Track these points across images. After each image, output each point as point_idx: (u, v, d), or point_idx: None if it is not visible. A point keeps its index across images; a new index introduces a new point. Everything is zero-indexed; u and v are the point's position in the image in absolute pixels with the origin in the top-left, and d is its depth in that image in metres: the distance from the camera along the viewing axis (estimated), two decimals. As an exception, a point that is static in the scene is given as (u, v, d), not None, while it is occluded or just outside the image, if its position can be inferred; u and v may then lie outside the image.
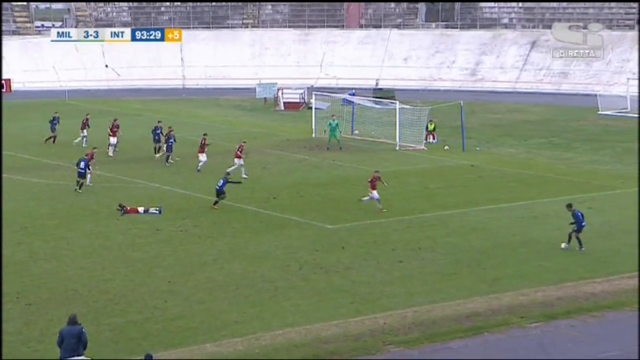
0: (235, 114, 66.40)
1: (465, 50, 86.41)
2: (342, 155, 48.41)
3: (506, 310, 24.27)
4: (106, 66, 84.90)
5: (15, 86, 79.78)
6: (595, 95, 70.06)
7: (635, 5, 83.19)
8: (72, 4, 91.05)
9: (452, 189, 39.66)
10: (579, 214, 29.98)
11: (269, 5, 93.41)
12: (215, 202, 35.43)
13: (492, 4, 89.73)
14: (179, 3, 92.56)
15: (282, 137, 53.88)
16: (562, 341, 22.44)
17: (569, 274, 27.49)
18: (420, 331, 22.80)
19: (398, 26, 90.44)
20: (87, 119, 51.00)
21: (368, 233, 32.08)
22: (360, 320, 23.43)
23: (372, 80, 79.76)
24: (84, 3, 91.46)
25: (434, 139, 53.08)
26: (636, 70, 75.15)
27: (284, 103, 69.74)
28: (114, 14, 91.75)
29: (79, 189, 38.46)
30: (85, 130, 50.24)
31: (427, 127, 52.89)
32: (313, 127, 54.93)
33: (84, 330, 19.53)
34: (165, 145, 45.33)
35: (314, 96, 59.75)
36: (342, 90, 70.21)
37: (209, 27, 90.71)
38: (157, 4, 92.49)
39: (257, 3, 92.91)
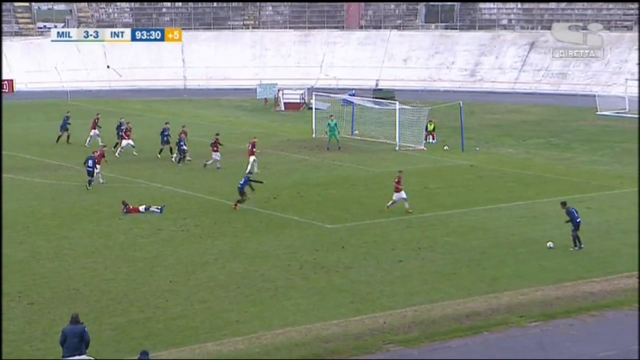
0: (236, 114, 66.41)
1: (464, 51, 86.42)
2: (342, 155, 48.40)
3: (505, 310, 24.26)
4: (108, 67, 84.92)
5: (17, 87, 79.82)
6: (594, 95, 70.08)
7: (633, 6, 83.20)
8: (74, 5, 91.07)
9: (451, 189, 39.66)
10: (573, 211, 29.99)
11: (269, 7, 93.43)
12: (237, 202, 34.99)
13: (491, 5, 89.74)
14: (180, 4, 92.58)
15: (282, 138, 53.87)
16: (561, 340, 22.43)
17: (568, 273, 27.48)
18: (420, 330, 22.79)
19: (398, 27, 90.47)
20: (97, 119, 50.96)
21: (368, 233, 32.08)
22: (360, 319, 23.42)
23: (372, 81, 79.78)
24: (86, 4, 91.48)
25: (433, 139, 53.07)
26: (635, 70, 75.21)
27: (285, 103, 69.75)
28: (116, 14, 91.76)
29: (89, 186, 38.70)
30: (95, 130, 50.20)
31: (426, 128, 52.89)
32: (313, 127, 54.93)
33: (86, 329, 19.54)
34: (177, 147, 45.34)
35: (314, 97, 59.75)
36: (342, 90, 70.23)
37: (210, 28, 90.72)
38: (159, 4, 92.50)
39: (258, 4, 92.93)
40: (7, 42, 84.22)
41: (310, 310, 24.08)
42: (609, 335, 22.92)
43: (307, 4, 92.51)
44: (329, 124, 50.61)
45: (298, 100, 69.92)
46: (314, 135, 54.28)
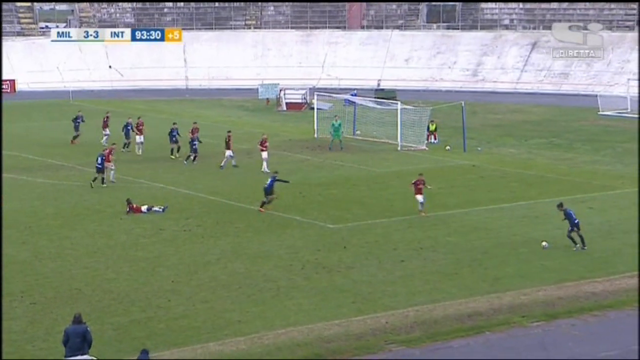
0: (238, 114, 66.43)
1: (466, 51, 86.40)
2: (344, 155, 48.40)
3: (507, 310, 24.25)
4: (110, 67, 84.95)
5: (19, 87, 79.90)
6: (596, 95, 70.06)
7: (635, 5, 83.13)
8: (76, 5, 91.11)
9: (453, 189, 39.64)
10: (571, 212, 29.99)
11: (271, 7, 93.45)
12: (263, 203, 34.76)
13: (493, 5, 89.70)
14: (181, 4, 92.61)
15: (284, 138, 53.87)
16: (563, 340, 22.42)
17: (570, 273, 27.47)
18: (422, 330, 22.79)
19: (399, 27, 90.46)
20: (107, 118, 50.99)
21: (370, 233, 32.08)
22: (362, 319, 23.42)
23: (374, 81, 79.77)
24: (88, 4, 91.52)
25: (435, 139, 53.06)
26: (636, 70, 75.14)
27: (286, 103, 69.76)
28: (117, 15, 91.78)
29: (93, 182, 38.95)
30: (107, 129, 50.24)
31: (428, 128, 52.88)
32: (315, 127, 54.93)
33: (88, 329, 19.55)
34: (190, 147, 45.41)
35: (316, 97, 59.74)
36: (344, 90, 70.19)
37: (212, 28, 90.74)
38: (160, 5, 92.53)
39: (260, 4, 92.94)
40: (9, 42, 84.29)
41: (312, 310, 24.08)
42: (611, 335, 22.90)
43: (308, 4, 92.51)
44: (333, 124, 50.61)
45: (300, 101, 69.93)
46: (315, 135, 54.28)
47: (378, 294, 25.45)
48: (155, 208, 34.61)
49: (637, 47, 79.63)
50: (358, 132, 55.10)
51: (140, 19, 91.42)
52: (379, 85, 78.58)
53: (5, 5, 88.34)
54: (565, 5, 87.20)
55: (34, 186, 39.78)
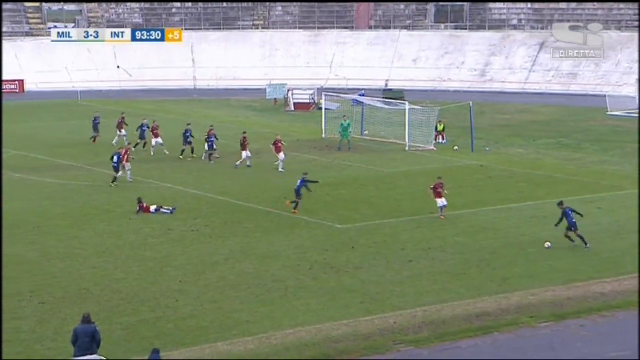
0: (246, 114, 66.47)
1: (474, 51, 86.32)
2: (352, 155, 48.40)
3: (515, 310, 24.22)
4: (118, 67, 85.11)
5: (28, 87, 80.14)
6: (604, 95, 69.90)
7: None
8: (84, 5, 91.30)
9: (461, 189, 39.57)
10: (569, 211, 29.97)
11: (279, 7, 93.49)
12: (295, 205, 34.63)
13: (501, 5, 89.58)
14: (189, 4, 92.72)
15: (292, 138, 53.84)
16: (572, 341, 22.39)
17: (578, 273, 27.42)
18: (430, 330, 22.78)
19: (407, 27, 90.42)
20: (122, 118, 51.06)
21: (378, 233, 32.07)
22: (370, 319, 23.43)
23: (382, 81, 79.76)
24: (96, 4, 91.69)
25: (443, 139, 53.02)
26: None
27: (294, 103, 69.78)
28: (125, 15, 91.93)
29: (112, 183, 39.26)
30: (123, 130, 50.35)
31: (436, 128, 52.84)
32: (323, 127, 54.93)
33: (97, 328, 19.60)
34: (206, 144, 45.60)
35: (323, 97, 59.75)
36: (351, 90, 70.22)
37: (220, 28, 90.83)
38: (168, 5, 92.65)
39: (267, 4, 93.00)
40: (17, 42, 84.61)
41: (320, 310, 24.10)
42: (620, 336, 22.84)
43: (316, 4, 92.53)
44: (342, 124, 50.62)
45: (307, 100, 69.95)
46: (323, 135, 54.29)
47: (386, 294, 25.45)
48: (164, 209, 34.65)
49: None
50: (366, 132, 55.08)
51: (148, 19, 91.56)
52: (386, 85, 78.55)
53: (13, 6, 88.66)
54: (573, 5, 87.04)
55: (43, 186, 39.88)
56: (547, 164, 46.53)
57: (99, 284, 26.10)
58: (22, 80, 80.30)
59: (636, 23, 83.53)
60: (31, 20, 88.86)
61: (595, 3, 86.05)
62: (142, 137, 48.75)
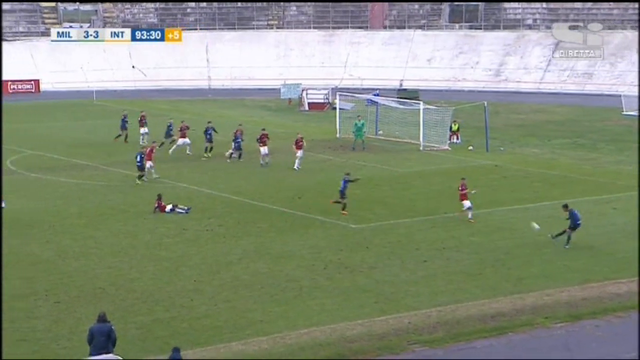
0: (261, 114, 66.50)
1: (489, 51, 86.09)
2: (366, 155, 48.36)
3: (531, 310, 24.14)
4: (133, 67, 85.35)
5: (43, 87, 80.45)
6: (620, 95, 69.54)
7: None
8: (100, 5, 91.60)
9: (476, 189, 39.44)
10: (576, 212, 29.87)
11: (293, 7, 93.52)
12: (343, 206, 34.58)
13: (516, 4, 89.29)
14: (204, 4, 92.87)
15: (306, 138, 53.59)
16: (587, 341, 22.29)
17: (594, 274, 27.29)
18: (445, 331, 22.73)
19: (422, 27, 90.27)
20: (143, 117, 51.22)
21: (392, 233, 32.02)
22: (385, 319, 23.39)
23: (396, 81, 79.66)
24: (111, 4, 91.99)
25: (457, 139, 52.89)
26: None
27: (309, 103, 69.78)
28: (141, 15, 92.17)
29: (138, 179, 39.66)
30: (145, 127, 50.51)
31: (450, 128, 52.73)
32: (337, 127, 54.89)
33: (113, 328, 19.64)
34: (233, 144, 45.82)
35: (338, 97, 59.72)
36: (366, 90, 70.19)
37: (234, 28, 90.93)
38: (183, 5, 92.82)
39: (282, 4, 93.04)
40: (33, 42, 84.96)
41: (335, 310, 24.07)
42: (635, 337, 22.69)
43: (331, 4, 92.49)
44: (356, 124, 50.58)
45: (322, 100, 69.93)
46: (338, 135, 54.25)
47: (401, 294, 25.40)
48: (179, 209, 34.69)
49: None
50: (380, 132, 55.01)
51: (163, 19, 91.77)
52: (401, 85, 78.43)
53: (29, 5, 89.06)
54: (589, 4, 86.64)
55: (58, 185, 40.01)
56: (563, 164, 46.35)
57: (114, 283, 26.16)
58: (38, 80, 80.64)
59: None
60: (47, 21, 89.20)
61: (611, 3, 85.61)
62: (167, 136, 48.89)
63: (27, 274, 26.93)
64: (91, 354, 19.42)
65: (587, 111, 67.82)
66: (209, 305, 24.37)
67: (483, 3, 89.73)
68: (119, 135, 51.44)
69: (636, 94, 71.10)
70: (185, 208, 34.86)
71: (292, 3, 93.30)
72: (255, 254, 29.32)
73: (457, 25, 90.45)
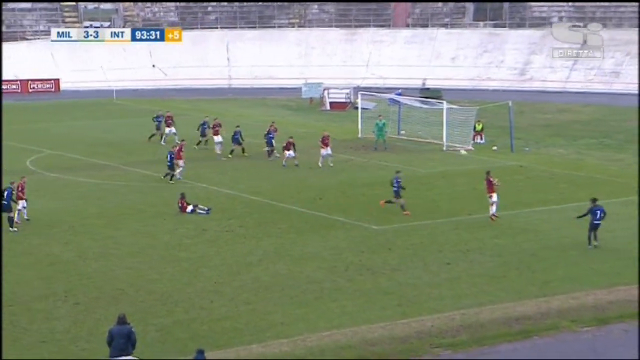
0: (282, 113, 66.52)
1: (513, 49, 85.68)
2: (389, 155, 48.26)
3: (556, 314, 23.98)
4: (153, 66, 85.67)
5: (63, 86, 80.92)
6: (648, 94, 69.07)
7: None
8: (120, 4, 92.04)
9: (500, 190, 39.23)
10: (597, 210, 29.65)
11: (315, 5, 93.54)
12: (402, 207, 34.63)
13: (541, 2, 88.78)
14: (225, 3, 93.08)
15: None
16: (614, 346, 22.13)
17: (621, 277, 27.07)
18: (468, 334, 22.62)
19: (445, 25, 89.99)
20: (169, 117, 51.33)
21: (415, 234, 31.92)
22: (407, 322, 23.32)
23: (419, 80, 79.42)
24: (132, 3, 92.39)
25: (481, 139, 52.69)
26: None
27: (330, 103, 69.73)
28: (162, 13, 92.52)
29: (170, 179, 39.94)
30: (172, 127, 50.64)
31: (474, 127, 52.52)
32: (359, 127, 54.82)
33: (133, 329, 19.68)
34: (266, 142, 46.18)
35: (360, 96, 59.64)
36: (388, 90, 69.98)
37: (255, 27, 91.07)
38: (204, 3, 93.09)
39: (304, 3, 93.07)
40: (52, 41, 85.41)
41: (356, 312, 24.02)
42: (664, 342, 22.52)
43: (353, 2, 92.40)
44: (377, 124, 50.50)
45: (344, 100, 69.87)
46: (359, 135, 54.19)
47: (423, 297, 25.31)
48: (200, 209, 34.75)
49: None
50: (403, 131, 54.90)
51: (183, 17, 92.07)
52: (424, 84, 78.21)
53: (49, 4, 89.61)
54: (616, 2, 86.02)
55: (77, 185, 40.21)
56: (589, 164, 46.05)
57: (133, 284, 26.24)
58: (58, 80, 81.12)
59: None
60: (67, 19, 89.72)
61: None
62: (203, 134, 49.07)
63: (47, 275, 27.08)
64: (111, 356, 19.47)
65: (614, 111, 67.33)
66: (229, 307, 24.39)
67: (508, 1, 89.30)
68: (153, 135, 51.57)
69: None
70: (206, 209, 34.92)
71: (314, 2, 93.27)
72: (275, 255, 29.32)
73: (481, 24, 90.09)
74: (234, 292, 25.57)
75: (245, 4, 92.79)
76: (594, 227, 29.90)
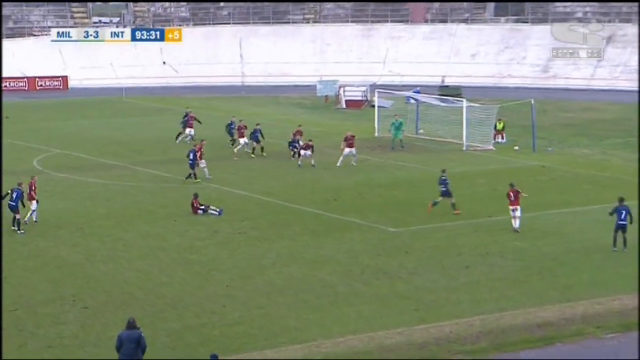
0: (296, 112, 66.59)
1: (536, 45, 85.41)
2: (406, 155, 48.21)
3: (580, 320, 23.91)
4: (164, 63, 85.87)
5: (71, 83, 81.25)
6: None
7: None
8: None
9: (523, 190, 39.12)
10: (622, 210, 29.53)
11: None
12: (453, 205, 34.77)
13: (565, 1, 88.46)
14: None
15: (343, 137, 53.77)
16: (640, 353, 22.02)
17: (648, 282, 26.95)
18: (489, 340, 22.58)
19: (465, 21, 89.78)
20: (191, 117, 51.37)
21: (433, 237, 31.88)
22: (425, 328, 23.29)
23: (438, 78, 79.34)
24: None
25: (502, 138, 52.56)
26: None
27: (346, 101, 69.71)
28: (172, 9, 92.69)
29: (193, 178, 40.13)
30: (191, 129, 50.79)
31: (495, 126, 52.40)
32: (376, 126, 54.79)
33: (142, 334, 19.72)
34: (291, 148, 46.52)
35: (376, 94, 59.61)
36: (406, 87, 69.97)
37: (269, 23, 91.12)
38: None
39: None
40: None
41: (372, 317, 24.01)
42: (692, 349, 22.40)
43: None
44: (393, 123, 50.46)
45: (360, 98, 69.84)
46: (376, 134, 54.16)
47: (441, 302, 25.28)
48: (212, 210, 34.80)
49: None
50: (421, 130, 54.82)
51: (195, 12, 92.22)
52: (443, 81, 78.10)
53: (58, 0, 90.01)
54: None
55: (86, 186, 40.36)
56: (614, 165, 45.87)
57: (143, 288, 26.31)
58: (66, 77, 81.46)
59: None
60: (76, 15, 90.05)
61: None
62: (231, 134, 49.23)
63: (54, 278, 27.20)
64: (119, 361, 19.53)
65: (641, 109, 66.96)
66: (241, 312, 24.42)
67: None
68: (180, 134, 51.71)
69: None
70: (218, 210, 34.98)
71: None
72: (289, 258, 29.34)
73: (502, 19, 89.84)
74: (246, 296, 25.60)
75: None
76: (618, 228, 29.81)
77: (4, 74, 75.42)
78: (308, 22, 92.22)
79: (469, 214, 34.95)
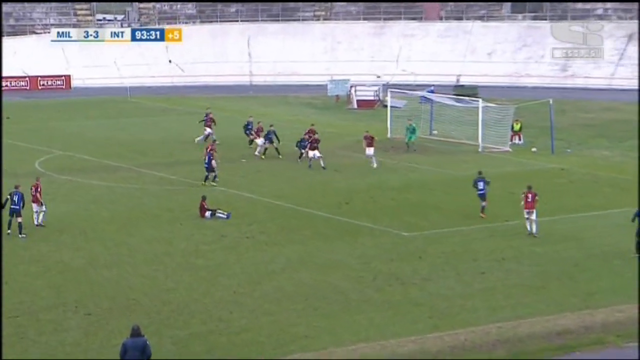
0: (306, 112, 66.61)
1: (554, 43, 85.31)
2: (419, 157, 48.21)
3: (600, 328, 23.88)
4: (170, 61, 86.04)
5: (74, 83, 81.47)
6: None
7: None
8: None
9: (539, 195, 39.05)
10: None
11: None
12: (482, 208, 35.02)
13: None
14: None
15: (355, 138, 53.70)
16: (662, 363, 21.96)
17: (670, 289, 26.87)
18: (506, 349, 22.56)
19: (481, 18, 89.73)
20: (211, 117, 51.53)
21: (447, 242, 31.86)
22: (439, 336, 23.27)
23: (453, 77, 79.34)
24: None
25: (520, 140, 52.51)
26: None
27: (357, 101, 69.74)
28: (178, 6, 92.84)
29: (213, 181, 40.31)
30: (210, 129, 50.95)
31: (512, 127, 52.35)
32: (388, 126, 54.79)
33: (148, 342, 19.75)
34: (299, 148, 46.53)
35: (389, 94, 59.63)
36: (419, 87, 69.93)
37: (278, 20, 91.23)
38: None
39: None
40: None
41: (385, 325, 24.01)
42: None
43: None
44: (407, 128, 50.46)
45: (372, 98, 69.87)
46: (389, 135, 54.16)
47: (456, 309, 25.26)
48: (219, 214, 34.83)
49: None
50: (435, 131, 54.82)
51: (202, 10, 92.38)
52: (458, 81, 78.09)
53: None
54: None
55: (89, 188, 40.47)
56: (635, 167, 45.71)
57: (148, 294, 26.36)
58: (69, 76, 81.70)
59: None
60: (79, 12, 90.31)
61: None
62: (247, 134, 49.39)
63: (56, 283, 27.27)
64: (124, 370, 19.57)
65: (663, 109, 66.79)
66: (249, 319, 24.45)
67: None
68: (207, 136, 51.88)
69: None
70: (226, 213, 35.02)
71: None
72: (299, 263, 29.36)
73: (520, 16, 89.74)
74: (254, 303, 25.63)
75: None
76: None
77: (5, 73, 75.67)
78: (318, 20, 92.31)
79: (484, 218, 34.89)
